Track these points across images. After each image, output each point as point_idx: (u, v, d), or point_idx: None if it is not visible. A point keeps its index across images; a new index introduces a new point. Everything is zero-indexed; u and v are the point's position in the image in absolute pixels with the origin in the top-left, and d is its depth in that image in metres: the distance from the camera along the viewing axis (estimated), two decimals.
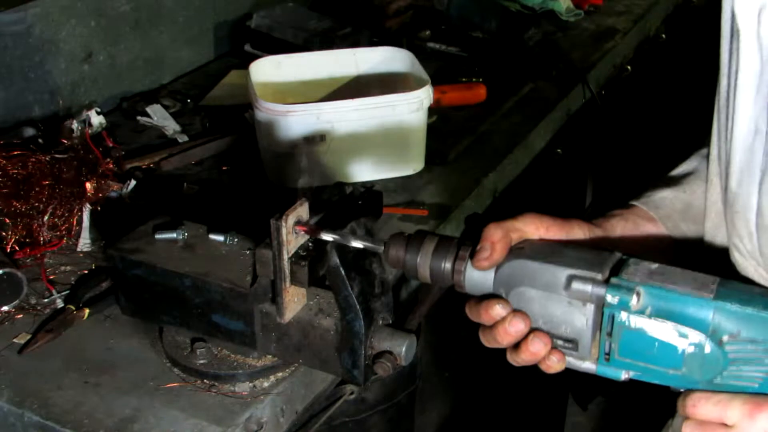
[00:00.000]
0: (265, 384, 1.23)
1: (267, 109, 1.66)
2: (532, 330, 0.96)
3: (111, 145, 1.81)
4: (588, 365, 0.96)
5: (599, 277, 0.92)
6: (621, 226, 1.11)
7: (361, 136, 1.70)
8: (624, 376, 0.95)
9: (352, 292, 1.08)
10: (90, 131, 1.81)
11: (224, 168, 1.82)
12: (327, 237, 1.05)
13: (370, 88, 1.83)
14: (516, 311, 0.97)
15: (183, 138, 1.92)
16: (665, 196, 1.15)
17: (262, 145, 1.74)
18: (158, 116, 2.01)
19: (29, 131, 1.78)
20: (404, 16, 2.51)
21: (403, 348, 1.11)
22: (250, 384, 1.22)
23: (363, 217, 1.12)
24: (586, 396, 3.04)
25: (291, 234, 1.04)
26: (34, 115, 1.91)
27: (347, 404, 1.42)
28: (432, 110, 1.83)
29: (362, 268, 1.11)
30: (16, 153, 1.55)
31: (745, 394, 0.87)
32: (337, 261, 1.07)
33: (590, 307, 0.92)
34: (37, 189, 1.50)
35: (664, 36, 2.92)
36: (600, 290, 0.91)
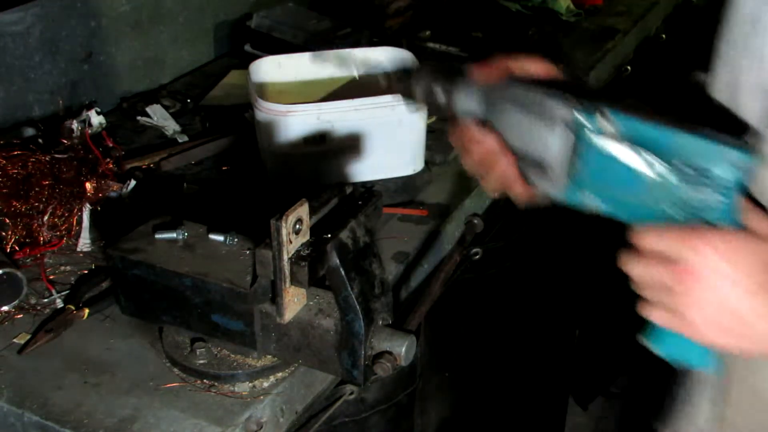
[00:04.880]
0: (265, 384, 1.23)
1: (267, 109, 1.66)
2: (503, 150, 1.04)
3: (111, 145, 1.80)
4: (557, 190, 1.01)
5: (574, 101, 0.97)
6: None
7: (361, 136, 1.70)
8: (591, 203, 0.99)
9: (352, 293, 1.08)
10: (90, 131, 1.81)
11: (224, 168, 1.82)
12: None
13: (370, 88, 1.83)
14: (488, 129, 1.05)
15: (183, 138, 1.92)
16: None
17: (262, 145, 1.74)
18: (158, 116, 2.01)
19: (29, 131, 1.78)
20: (404, 16, 2.51)
21: (402, 348, 1.11)
22: (250, 384, 1.22)
23: (362, 215, 1.12)
24: (586, 396, 3.04)
25: (291, 234, 1.04)
26: (34, 115, 1.91)
27: (347, 404, 1.42)
28: None
29: (362, 269, 1.11)
30: (16, 153, 1.55)
31: (694, 228, 0.90)
32: (337, 261, 1.07)
33: (563, 130, 0.97)
34: (37, 189, 1.50)
35: (664, 36, 2.92)
36: (572, 112, 0.96)
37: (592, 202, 0.98)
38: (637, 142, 0.93)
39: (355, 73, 1.90)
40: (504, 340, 2.19)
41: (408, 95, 1.11)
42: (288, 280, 1.08)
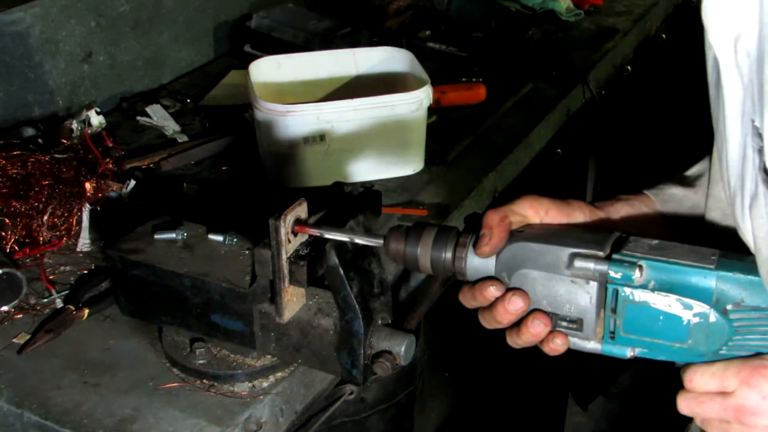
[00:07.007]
0: (265, 384, 1.23)
1: (267, 109, 1.66)
2: (534, 311, 0.97)
3: (111, 145, 1.81)
4: (593, 345, 0.96)
5: (601, 254, 0.93)
6: (625, 211, 1.11)
7: (360, 136, 1.70)
8: (630, 353, 0.95)
9: (351, 292, 1.08)
10: (90, 131, 1.81)
11: (224, 168, 1.82)
12: (326, 235, 1.05)
13: (370, 88, 1.83)
14: (514, 289, 0.97)
15: (183, 138, 1.92)
16: (676, 193, 1.16)
17: (262, 145, 1.74)
18: (158, 116, 2.01)
19: (29, 131, 1.78)
20: (404, 16, 2.51)
21: (402, 348, 1.11)
22: (250, 384, 1.23)
23: (361, 215, 1.12)
24: (586, 396, 3.03)
25: (290, 234, 1.04)
26: (34, 115, 1.91)
27: (346, 404, 1.42)
28: (432, 110, 1.84)
29: (361, 268, 1.11)
30: (16, 153, 1.55)
31: (740, 359, 0.88)
32: (336, 261, 1.07)
33: (593, 285, 0.93)
34: (36, 189, 1.50)
35: (664, 36, 2.92)
36: (603, 266, 0.92)
37: (628, 351, 0.94)
38: (676, 288, 0.90)
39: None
40: (504, 339, 2.19)
41: (413, 267, 1.03)
42: (287, 279, 1.08)
